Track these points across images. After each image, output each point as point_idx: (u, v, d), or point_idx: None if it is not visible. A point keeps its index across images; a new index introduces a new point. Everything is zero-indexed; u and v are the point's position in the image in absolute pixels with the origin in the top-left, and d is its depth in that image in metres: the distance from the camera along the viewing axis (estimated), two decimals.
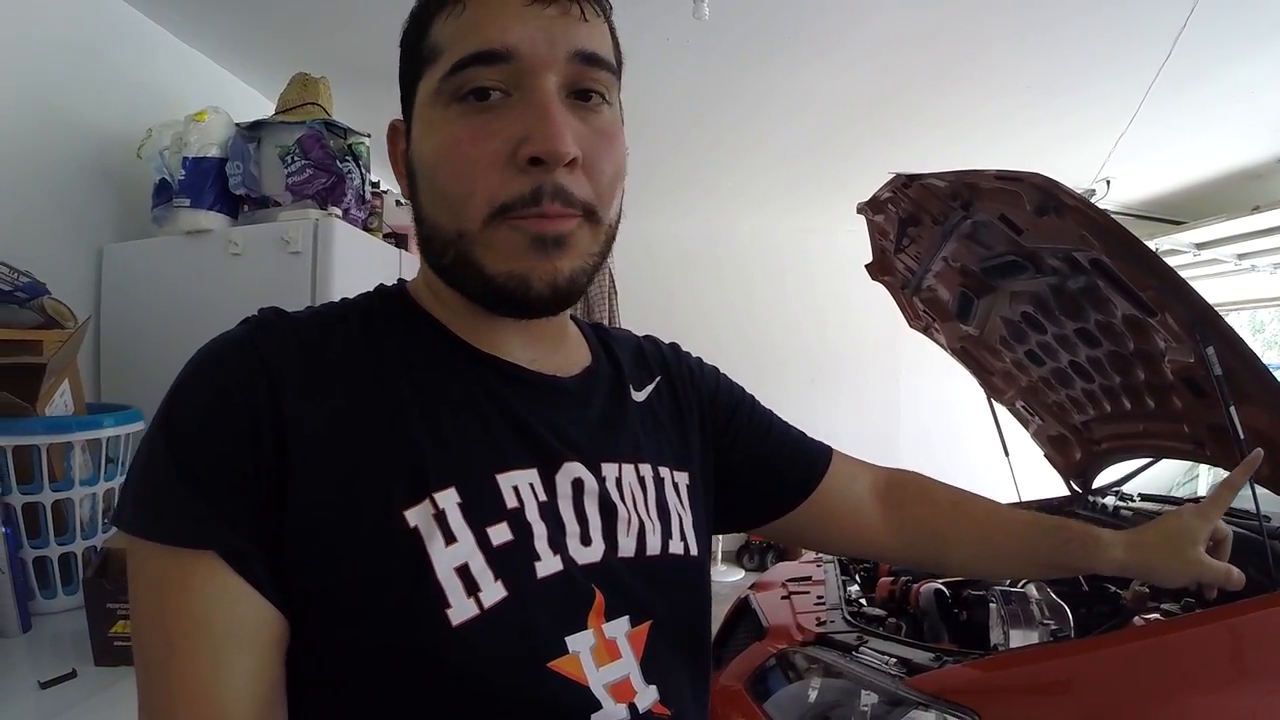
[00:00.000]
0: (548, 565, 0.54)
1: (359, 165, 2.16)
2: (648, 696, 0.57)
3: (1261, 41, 2.39)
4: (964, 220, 1.71)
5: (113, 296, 2.10)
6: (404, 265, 2.39)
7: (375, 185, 2.59)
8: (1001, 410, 2.32)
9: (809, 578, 1.91)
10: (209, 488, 0.48)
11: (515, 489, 0.55)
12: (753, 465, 0.78)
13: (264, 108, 2.59)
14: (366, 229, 2.32)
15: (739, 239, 5.45)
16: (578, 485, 0.59)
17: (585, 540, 0.58)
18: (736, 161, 4.02)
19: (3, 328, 1.57)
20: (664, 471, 0.67)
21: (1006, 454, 2.07)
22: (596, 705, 0.53)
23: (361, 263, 2.09)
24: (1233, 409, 1.27)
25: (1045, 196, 1.41)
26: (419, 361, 0.57)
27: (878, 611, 1.55)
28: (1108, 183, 3.67)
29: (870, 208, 2.09)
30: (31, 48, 1.92)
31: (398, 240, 2.62)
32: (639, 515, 0.62)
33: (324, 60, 2.48)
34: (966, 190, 1.59)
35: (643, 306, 4.97)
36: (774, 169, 4.08)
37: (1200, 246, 4.16)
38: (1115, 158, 3.34)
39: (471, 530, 0.52)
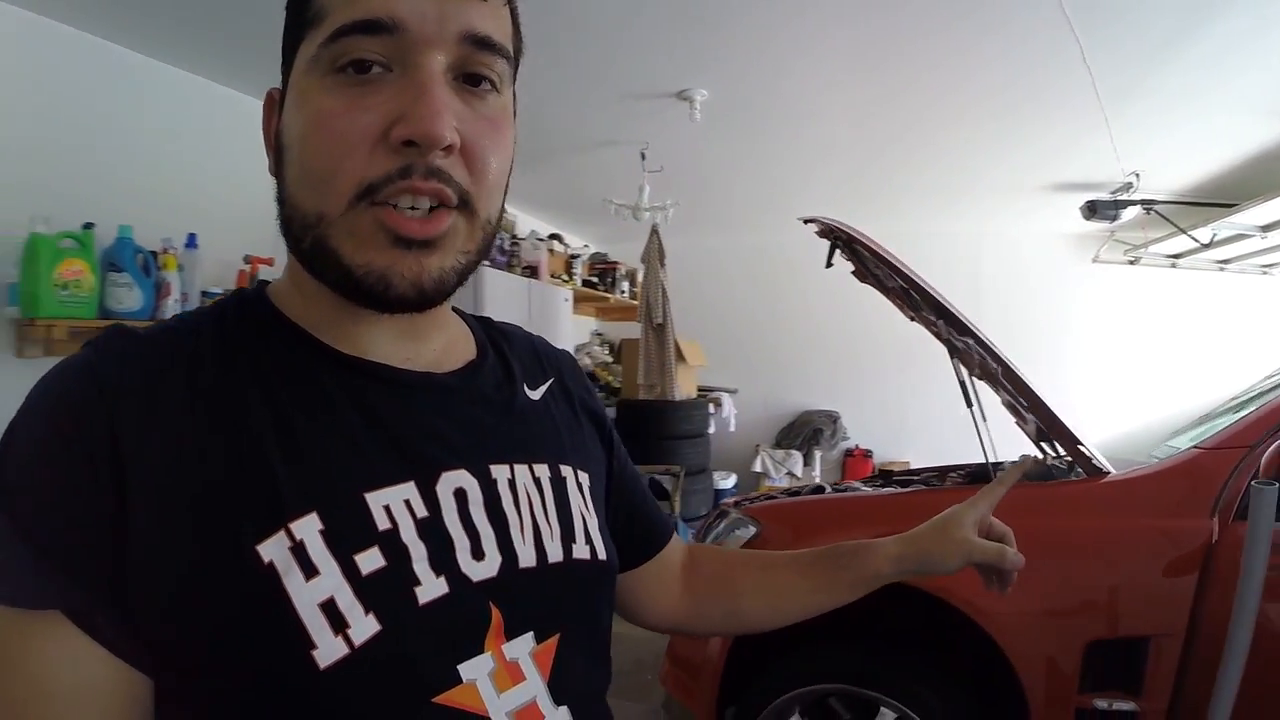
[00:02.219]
0: (430, 589, 0.48)
1: (500, 231, 3.36)
2: (558, 719, 0.52)
3: None
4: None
5: None
6: (532, 291, 3.55)
7: (532, 236, 3.81)
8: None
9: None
10: (46, 539, 0.43)
11: (387, 508, 0.48)
12: (614, 510, 0.72)
13: None
14: (509, 268, 3.51)
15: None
16: (461, 495, 0.52)
17: (477, 554, 0.51)
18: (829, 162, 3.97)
19: None
20: (565, 470, 0.61)
21: (975, 419, 2.57)
22: None
23: (502, 292, 3.26)
24: (975, 409, 2.06)
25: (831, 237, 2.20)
26: (273, 372, 0.50)
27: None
28: (1137, 175, 3.87)
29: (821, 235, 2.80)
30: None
31: (532, 272, 3.79)
32: (534, 520, 0.55)
33: None
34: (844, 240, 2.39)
35: (760, 296, 5.67)
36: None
37: (1265, 229, 4.30)
38: (1140, 149, 3.52)
39: (336, 559, 0.45)
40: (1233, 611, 1.25)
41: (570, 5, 2.23)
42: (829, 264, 2.54)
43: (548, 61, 2.62)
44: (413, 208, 0.48)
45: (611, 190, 3.75)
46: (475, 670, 0.48)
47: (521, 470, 0.57)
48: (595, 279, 4.91)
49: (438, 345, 0.59)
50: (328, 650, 0.43)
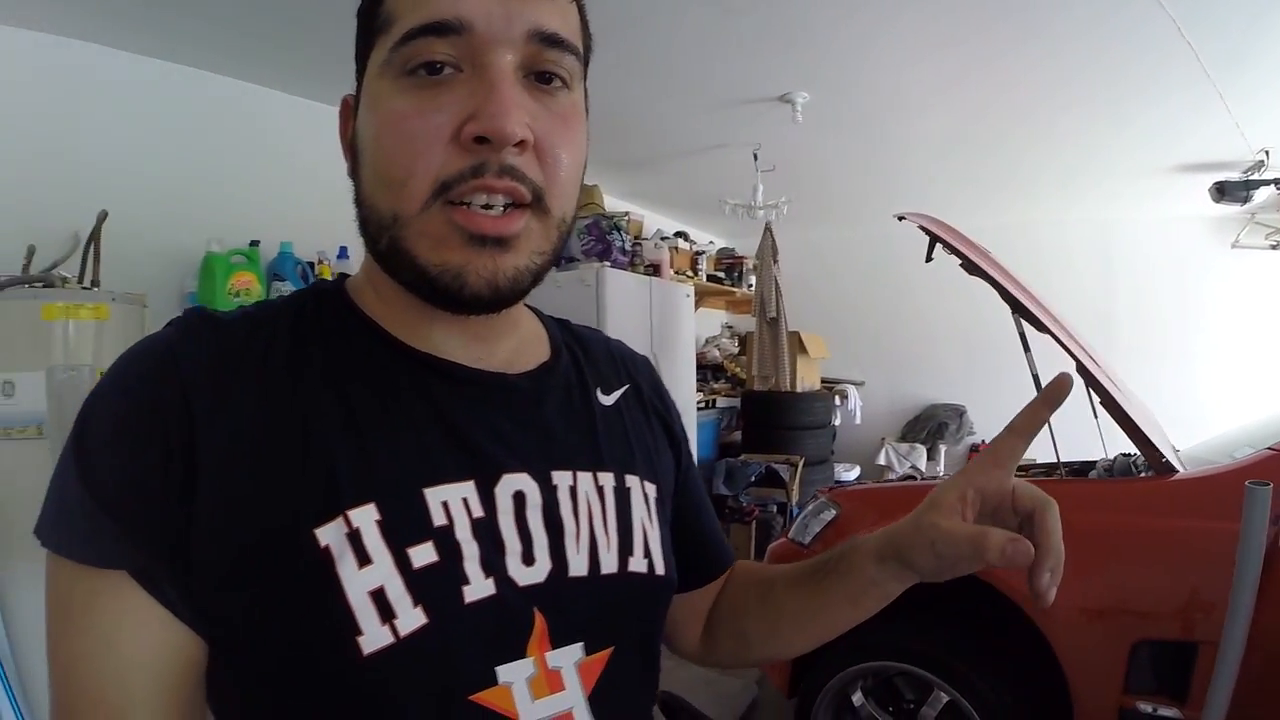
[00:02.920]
0: (477, 589, 0.48)
1: (620, 233, 3.60)
2: None
3: None
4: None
5: None
6: (653, 289, 3.77)
7: (656, 236, 4.05)
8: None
9: None
10: (118, 504, 0.44)
11: (445, 505, 0.49)
12: (677, 528, 0.67)
13: None
14: (632, 267, 3.76)
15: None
16: (519, 498, 0.52)
17: (528, 559, 0.51)
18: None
19: None
20: (630, 480, 0.59)
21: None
22: None
23: (623, 290, 3.50)
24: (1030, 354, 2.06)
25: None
26: (345, 365, 0.51)
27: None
28: (1266, 153, 3.61)
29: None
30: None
31: (654, 270, 4.01)
32: (590, 529, 0.55)
33: (598, 172, 3.98)
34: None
35: (887, 289, 5.56)
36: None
37: None
38: (1268, 124, 3.25)
39: (390, 551, 0.46)
40: (1227, 614, 1.24)
41: (670, 18, 2.41)
42: (929, 258, 2.58)
43: (655, 70, 2.83)
44: (486, 205, 0.47)
45: (729, 189, 3.90)
46: (513, 674, 0.48)
47: (584, 478, 0.56)
48: (722, 274, 5.05)
49: (510, 346, 0.59)
50: (373, 637, 0.44)
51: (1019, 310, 2.05)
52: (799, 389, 4.71)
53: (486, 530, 0.50)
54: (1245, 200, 3.78)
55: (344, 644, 0.44)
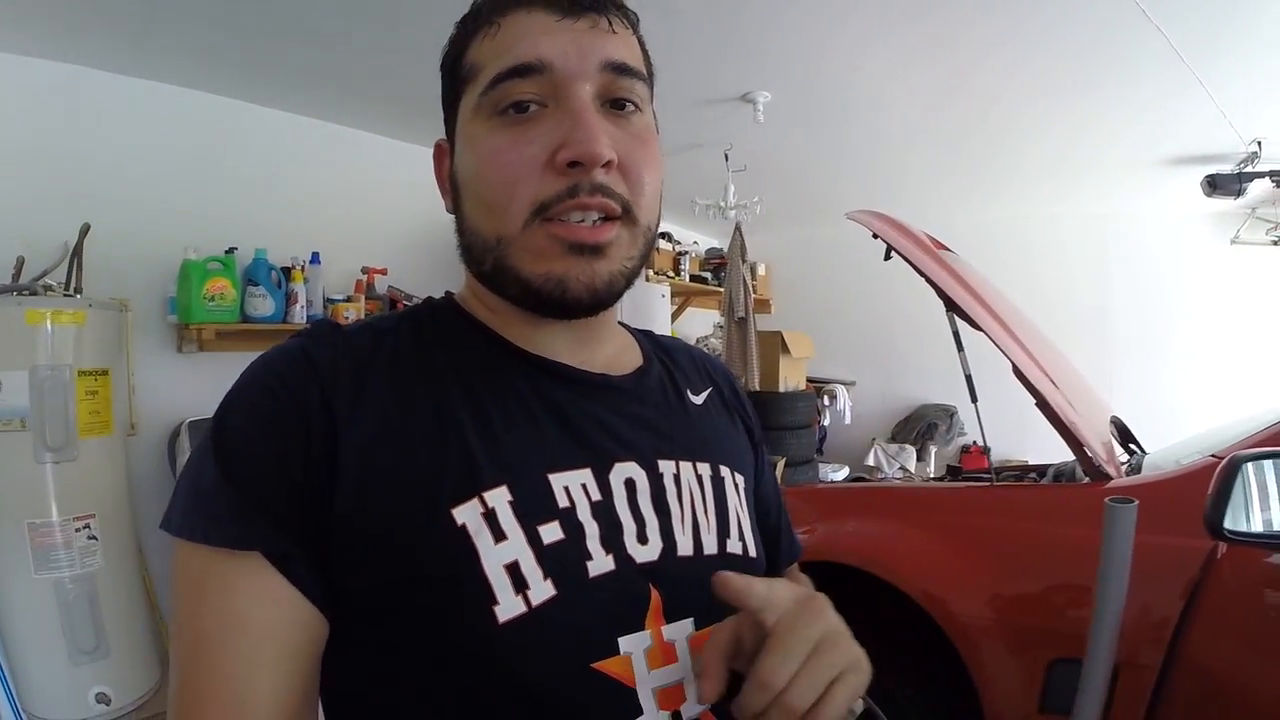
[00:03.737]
0: (600, 564, 0.51)
1: None
2: (697, 705, 0.52)
3: None
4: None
5: None
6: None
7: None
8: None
9: None
10: (255, 489, 0.47)
11: (567, 489, 0.53)
12: (756, 520, 0.70)
13: None
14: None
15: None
16: (630, 484, 0.56)
17: (642, 539, 0.54)
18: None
19: None
20: (724, 471, 0.64)
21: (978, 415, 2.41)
22: (638, 710, 0.50)
23: (643, 300, 3.44)
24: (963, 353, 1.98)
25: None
26: (468, 365, 0.56)
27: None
28: (1259, 144, 3.44)
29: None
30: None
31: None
32: (694, 513, 0.59)
33: None
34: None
35: (878, 288, 5.21)
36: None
37: None
38: (1257, 112, 3.10)
39: (522, 528, 0.49)
40: (1089, 634, 1.15)
41: (635, 5, 2.37)
42: (887, 256, 2.49)
43: None
44: (581, 220, 0.52)
45: (704, 189, 3.83)
46: (633, 645, 0.51)
47: (686, 467, 0.60)
48: (708, 274, 4.98)
49: (609, 352, 0.64)
50: (508, 606, 0.47)
51: (952, 308, 1.97)
52: (783, 388, 4.63)
53: (604, 512, 0.53)
54: (1239, 194, 3.61)
55: (482, 613, 0.47)
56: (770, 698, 0.44)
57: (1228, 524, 1.04)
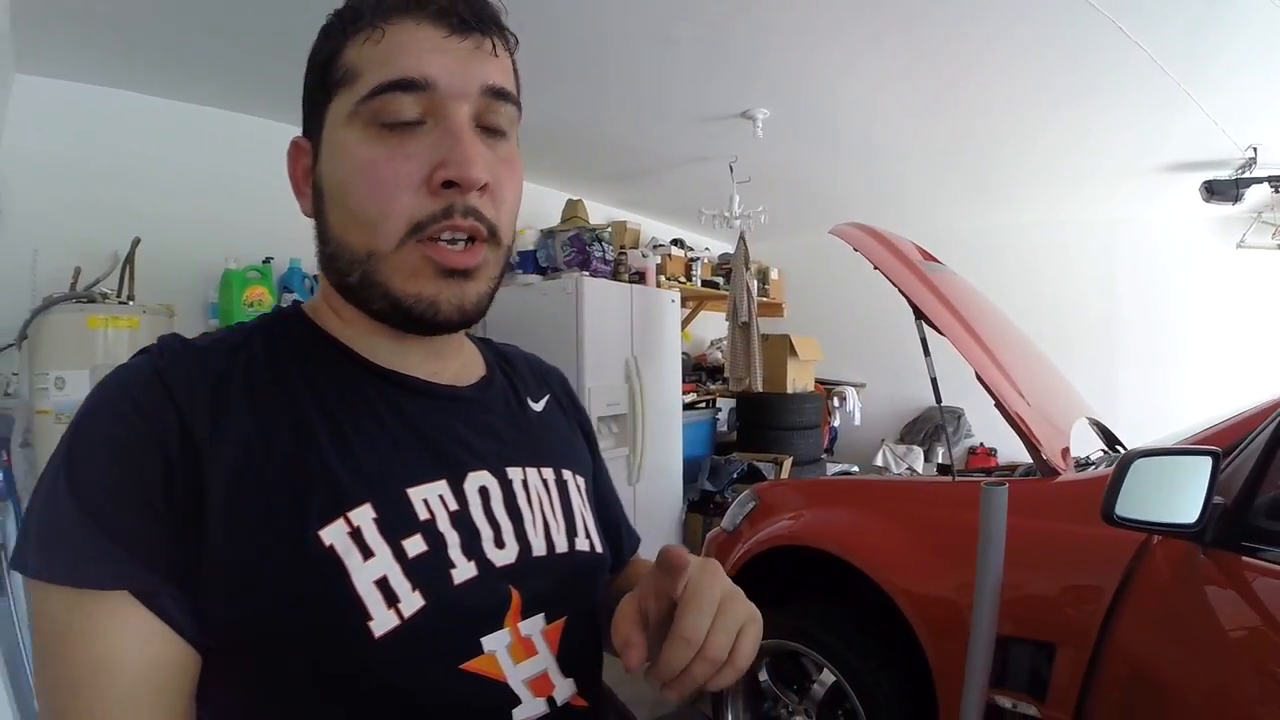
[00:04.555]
0: (463, 572, 0.53)
1: (602, 244, 3.72)
2: (565, 689, 0.56)
3: None
4: None
5: (490, 314, 3.96)
6: (634, 296, 3.86)
7: (649, 244, 4.18)
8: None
9: None
10: (117, 524, 0.45)
11: (426, 501, 0.54)
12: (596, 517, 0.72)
13: (555, 199, 4.22)
14: (615, 277, 3.86)
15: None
16: (484, 492, 0.57)
17: (499, 543, 0.56)
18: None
19: None
20: (566, 474, 0.66)
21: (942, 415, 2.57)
22: (516, 700, 0.53)
23: (602, 297, 3.60)
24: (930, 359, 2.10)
25: None
26: (323, 381, 0.55)
27: None
28: (1255, 150, 3.44)
29: None
30: None
31: (641, 277, 4.11)
32: (544, 515, 0.61)
33: (590, 185, 4.12)
34: None
35: (886, 292, 5.53)
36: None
37: None
38: (1249, 117, 3.12)
39: (388, 544, 0.50)
40: (971, 621, 1.24)
41: (621, 50, 2.56)
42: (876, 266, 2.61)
43: (624, 94, 2.97)
44: (451, 241, 0.53)
45: (712, 199, 3.96)
46: (495, 643, 0.53)
47: (532, 473, 0.63)
48: (721, 279, 5.10)
49: (458, 363, 0.66)
50: (382, 621, 0.48)
51: (920, 316, 2.09)
52: (790, 390, 4.74)
53: (462, 521, 0.55)
54: (1237, 199, 3.62)
55: (358, 629, 0.48)
56: (694, 652, 0.49)
57: (1118, 511, 1.15)
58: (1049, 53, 2.57)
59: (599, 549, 0.66)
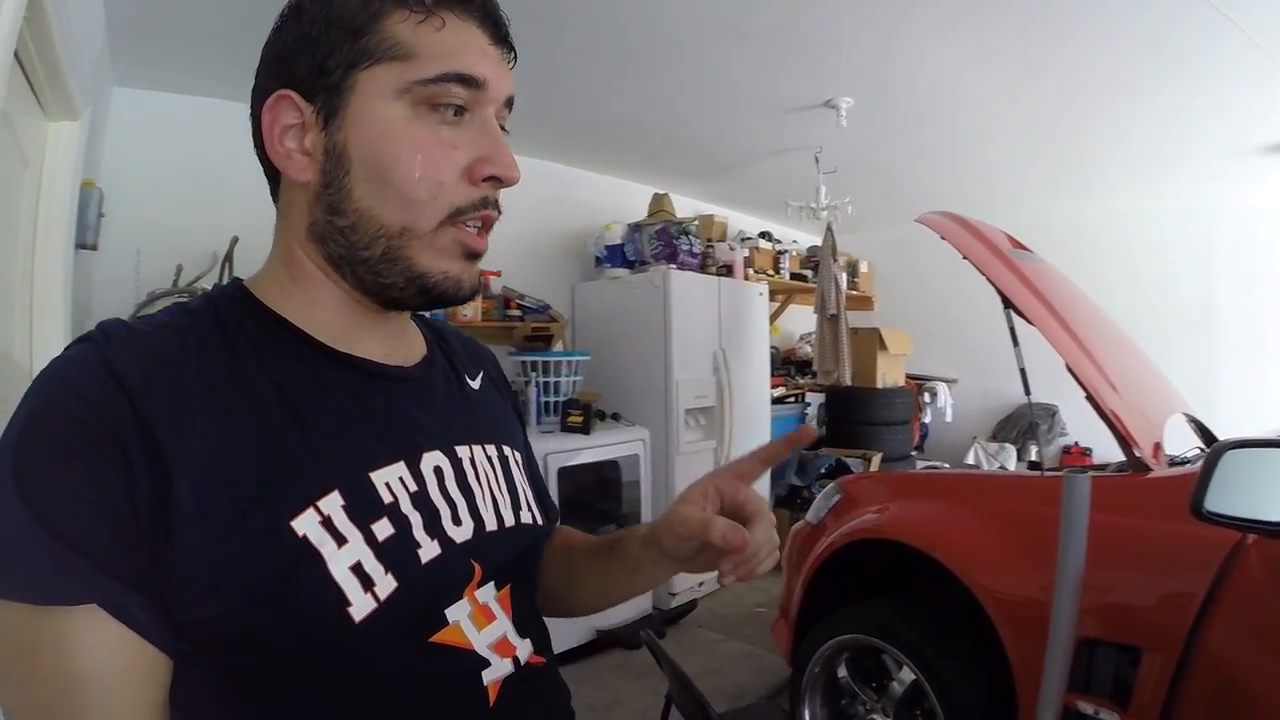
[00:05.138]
0: (429, 550, 0.55)
1: (689, 237, 3.77)
2: (525, 649, 0.60)
3: None
4: None
5: (580, 308, 4.08)
6: (723, 288, 3.89)
7: (737, 237, 4.19)
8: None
9: None
10: (76, 531, 0.42)
11: (388, 484, 0.55)
12: None
13: (641, 193, 4.29)
14: (702, 270, 3.90)
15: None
16: (438, 472, 0.59)
17: (456, 520, 0.58)
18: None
19: (537, 323, 3.61)
20: (507, 450, 0.69)
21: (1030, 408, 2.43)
22: (485, 663, 0.56)
23: (689, 290, 3.65)
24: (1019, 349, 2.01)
25: None
26: (279, 369, 0.54)
27: None
28: None
29: None
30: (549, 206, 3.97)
31: (729, 270, 4.13)
32: (491, 491, 0.63)
33: (676, 179, 4.16)
34: None
35: (982, 285, 5.35)
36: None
37: None
38: None
39: (359, 529, 0.51)
40: (1051, 612, 1.19)
41: (695, 44, 2.58)
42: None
43: (708, 84, 2.97)
44: (476, 228, 0.58)
45: (797, 191, 3.92)
46: (457, 613, 0.56)
47: (478, 450, 0.64)
48: (809, 271, 5.05)
49: (406, 342, 0.66)
50: (360, 605, 0.49)
51: (1009, 305, 2.03)
52: (880, 385, 4.64)
53: (422, 501, 0.56)
54: None
55: (338, 615, 0.48)
56: (774, 531, 0.62)
57: (1208, 506, 1.11)
58: (1134, 33, 2.44)
59: (540, 520, 0.69)
